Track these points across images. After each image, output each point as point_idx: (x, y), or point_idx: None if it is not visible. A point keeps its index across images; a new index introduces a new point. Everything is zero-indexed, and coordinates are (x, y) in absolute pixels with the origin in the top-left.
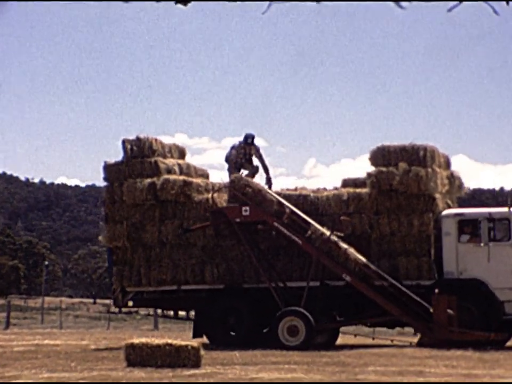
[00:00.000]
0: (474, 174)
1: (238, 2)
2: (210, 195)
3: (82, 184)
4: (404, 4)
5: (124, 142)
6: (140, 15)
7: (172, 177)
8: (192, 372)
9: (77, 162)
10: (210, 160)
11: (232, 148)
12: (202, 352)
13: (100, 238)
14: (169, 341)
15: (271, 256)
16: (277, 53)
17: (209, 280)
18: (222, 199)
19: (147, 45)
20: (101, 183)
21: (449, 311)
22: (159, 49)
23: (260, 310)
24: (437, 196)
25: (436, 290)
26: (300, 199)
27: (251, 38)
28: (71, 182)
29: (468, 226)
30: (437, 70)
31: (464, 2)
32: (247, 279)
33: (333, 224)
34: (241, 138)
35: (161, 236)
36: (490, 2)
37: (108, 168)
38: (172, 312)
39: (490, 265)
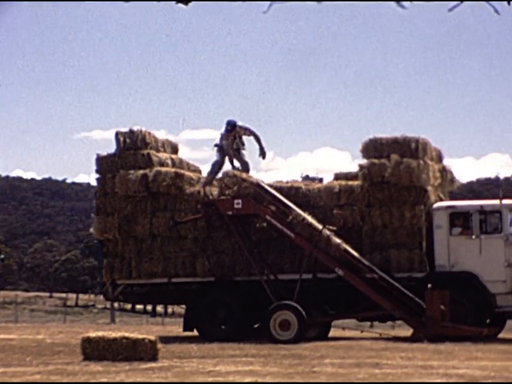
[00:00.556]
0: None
1: (238, 2)
2: (201, 187)
3: (39, 177)
4: (405, 3)
5: (117, 134)
6: (140, 14)
7: (164, 169)
8: (149, 365)
9: (33, 155)
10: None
11: (222, 138)
12: (159, 345)
13: (91, 229)
14: (126, 335)
15: (262, 249)
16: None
17: (200, 273)
18: (213, 191)
19: (147, 44)
20: (57, 176)
21: (442, 307)
22: (159, 48)
23: (250, 303)
24: (429, 188)
25: (429, 285)
26: (291, 191)
27: (251, 38)
28: (27, 175)
29: (459, 219)
30: (437, 69)
31: (465, 2)
32: (238, 272)
33: (325, 217)
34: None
35: (153, 228)
36: (491, 2)
37: (100, 160)
38: (130, 306)
39: (482, 258)
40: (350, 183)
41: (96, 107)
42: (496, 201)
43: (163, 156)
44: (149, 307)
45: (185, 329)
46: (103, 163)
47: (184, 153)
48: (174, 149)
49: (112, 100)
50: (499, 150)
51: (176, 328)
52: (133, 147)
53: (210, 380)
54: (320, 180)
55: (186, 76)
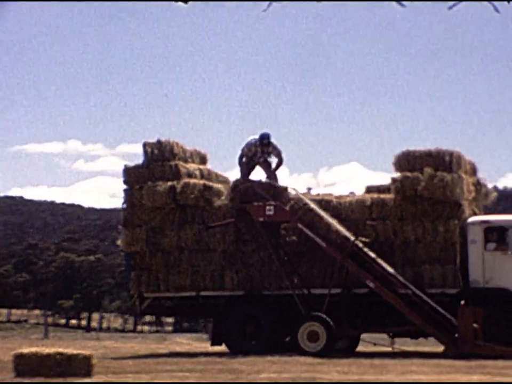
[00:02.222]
0: None
1: (238, 1)
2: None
3: None
4: (405, 2)
5: (145, 145)
6: (139, 13)
7: (192, 181)
8: (83, 380)
9: None
10: (104, 166)
11: (246, 145)
12: (94, 360)
13: (118, 242)
14: (60, 350)
15: (293, 261)
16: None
17: (228, 287)
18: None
19: (146, 43)
20: None
21: (475, 324)
22: (158, 47)
23: (280, 318)
24: (463, 202)
25: (462, 302)
26: (322, 204)
27: (250, 37)
28: None
29: (494, 234)
30: (436, 69)
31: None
32: (268, 286)
33: (356, 230)
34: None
35: (181, 240)
36: (491, 1)
37: (127, 171)
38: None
39: None
40: (382, 196)
41: (30, 120)
42: None
43: (191, 166)
44: (84, 322)
45: (213, 344)
46: (130, 174)
47: (121, 167)
48: (203, 159)
49: (44, 112)
50: None
51: (111, 343)
52: (160, 158)
53: None
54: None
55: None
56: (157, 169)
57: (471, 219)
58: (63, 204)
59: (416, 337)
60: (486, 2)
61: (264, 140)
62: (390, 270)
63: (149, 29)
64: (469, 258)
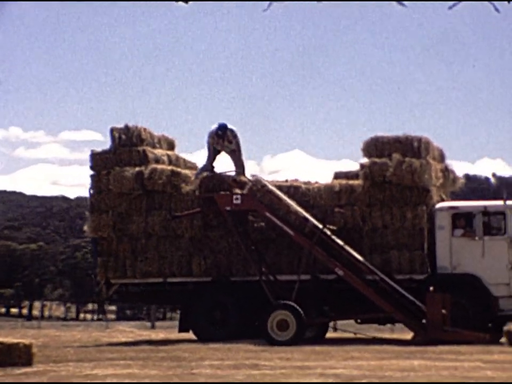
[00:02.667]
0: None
1: (238, 1)
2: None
3: None
4: (405, 2)
5: (112, 130)
6: (139, 13)
7: (160, 166)
8: (23, 370)
9: None
10: (46, 154)
11: (209, 135)
12: (34, 349)
13: (85, 227)
14: None
15: (260, 248)
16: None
17: (196, 273)
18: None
19: (146, 42)
20: None
21: (443, 311)
22: (158, 46)
23: (247, 304)
24: (431, 188)
25: (430, 288)
26: (290, 190)
27: (251, 37)
28: None
29: (462, 220)
30: (436, 68)
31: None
32: (235, 272)
33: (325, 216)
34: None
35: (148, 226)
36: (491, 1)
37: (94, 156)
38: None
39: (485, 260)
40: (351, 182)
41: None
42: (500, 202)
43: (159, 152)
44: (25, 311)
45: (180, 330)
46: (97, 159)
47: (63, 155)
48: (171, 145)
49: None
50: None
51: (53, 332)
52: (128, 143)
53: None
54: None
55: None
56: (124, 154)
57: (439, 205)
58: (4, 191)
59: (384, 323)
60: (486, 2)
61: (219, 131)
62: (359, 257)
63: (149, 28)
64: (436, 244)
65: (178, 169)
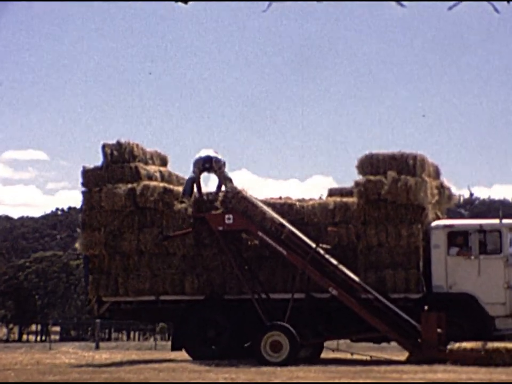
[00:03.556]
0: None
1: (238, 1)
2: (189, 202)
3: None
4: (405, 2)
5: (104, 146)
6: (139, 13)
7: (152, 183)
8: None
9: None
10: None
11: (194, 164)
12: None
13: (76, 245)
14: None
15: (253, 267)
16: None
17: (189, 291)
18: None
19: (146, 43)
20: None
21: (438, 330)
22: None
23: (241, 322)
24: (427, 206)
25: (425, 307)
26: (284, 207)
27: (251, 36)
28: None
29: (457, 238)
30: (436, 68)
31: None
32: (228, 290)
33: (319, 234)
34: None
35: (140, 244)
36: (491, 1)
37: (86, 173)
38: None
39: (480, 279)
40: (345, 199)
41: None
42: (496, 221)
43: (151, 168)
44: None
45: (173, 349)
46: (89, 176)
47: (7, 174)
48: (163, 161)
49: None
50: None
51: None
52: (120, 160)
53: None
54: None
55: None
56: (116, 171)
57: (434, 223)
58: None
59: (379, 342)
60: (486, 2)
61: (206, 164)
62: (353, 276)
63: (149, 29)
64: (432, 263)
65: (171, 186)
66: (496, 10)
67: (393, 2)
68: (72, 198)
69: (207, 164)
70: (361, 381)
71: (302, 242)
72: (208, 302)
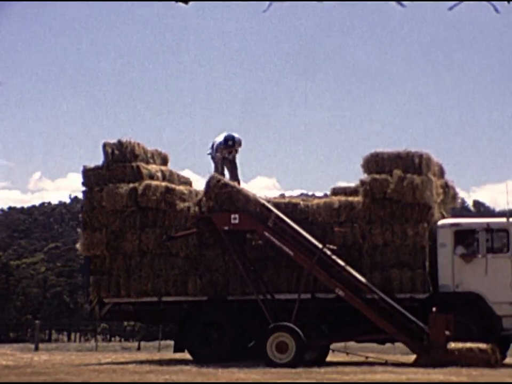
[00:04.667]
0: None
1: (238, 1)
2: (196, 201)
3: None
4: (405, 2)
5: (104, 145)
6: (139, 13)
7: (154, 183)
8: None
9: None
10: None
11: (216, 148)
12: None
13: (77, 245)
14: None
15: (258, 267)
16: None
17: (192, 292)
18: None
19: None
20: None
21: (447, 332)
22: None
23: (244, 323)
24: (433, 205)
25: (434, 309)
26: (289, 207)
27: (251, 36)
28: None
29: (464, 237)
30: (435, 68)
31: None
32: (232, 291)
33: (324, 234)
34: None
35: (142, 244)
36: (491, 1)
37: (87, 172)
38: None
39: (487, 278)
40: (350, 199)
41: None
42: (503, 219)
43: (153, 168)
44: None
45: (175, 350)
46: (90, 175)
47: None
48: (164, 160)
49: None
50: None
51: None
52: (121, 159)
53: None
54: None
55: None
56: (117, 170)
57: (440, 222)
58: None
59: (383, 343)
60: (486, 2)
61: (229, 141)
62: (360, 277)
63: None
64: (438, 262)
65: (173, 185)
66: (496, 10)
67: (393, 2)
68: (12, 198)
69: (230, 142)
70: (300, 381)
71: (309, 243)
72: (211, 303)
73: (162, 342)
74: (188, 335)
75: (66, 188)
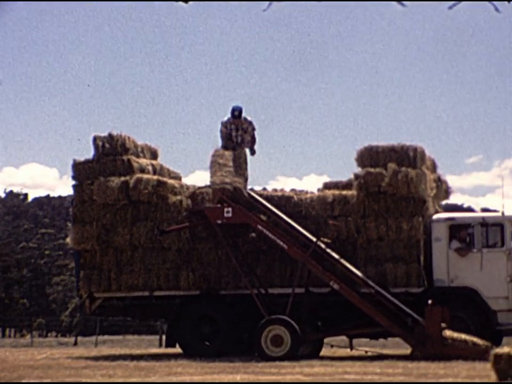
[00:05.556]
0: None
1: (238, 1)
2: (188, 194)
3: None
4: (405, 2)
5: (95, 138)
6: (139, 12)
7: (146, 176)
8: None
9: None
10: None
11: (222, 123)
12: None
13: (67, 239)
14: None
15: (251, 261)
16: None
17: (184, 286)
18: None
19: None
20: None
21: (443, 324)
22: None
23: (237, 318)
24: (428, 199)
25: (429, 301)
26: (282, 200)
27: (251, 37)
28: None
29: (459, 232)
30: (435, 69)
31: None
32: (225, 285)
33: (318, 228)
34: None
35: (133, 238)
36: (491, 1)
37: (76, 166)
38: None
39: (483, 272)
40: (344, 192)
41: None
42: (498, 213)
43: (143, 162)
44: None
45: (167, 346)
46: (80, 169)
47: None
48: (154, 155)
49: None
50: None
51: None
52: (112, 152)
53: None
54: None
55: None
56: (108, 164)
57: (435, 216)
58: None
59: (376, 338)
60: (486, 2)
61: (235, 112)
62: (355, 270)
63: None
64: (433, 257)
65: (165, 179)
66: (496, 10)
67: (394, 2)
68: None
69: (236, 112)
70: (238, 376)
71: (303, 236)
72: (203, 298)
73: (100, 337)
74: (180, 330)
75: (1, 182)
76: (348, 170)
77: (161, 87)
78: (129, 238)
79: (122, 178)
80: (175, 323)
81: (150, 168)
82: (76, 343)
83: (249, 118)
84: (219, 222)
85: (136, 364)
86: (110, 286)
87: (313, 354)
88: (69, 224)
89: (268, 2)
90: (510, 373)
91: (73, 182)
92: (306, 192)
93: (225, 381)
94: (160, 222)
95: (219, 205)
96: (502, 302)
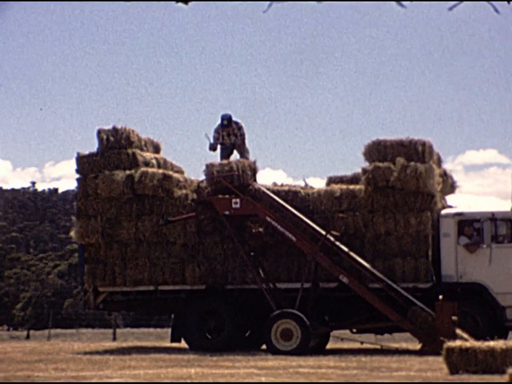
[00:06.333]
0: None
1: (238, 1)
2: (193, 187)
3: None
4: (405, 2)
5: (99, 132)
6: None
7: (151, 170)
8: None
9: None
10: None
11: (214, 129)
12: None
13: (72, 233)
14: None
15: (258, 255)
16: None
17: (189, 281)
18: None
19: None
20: None
21: (453, 317)
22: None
23: (243, 312)
24: (436, 194)
25: (440, 297)
26: (289, 195)
27: (251, 37)
28: None
29: (468, 227)
30: (435, 69)
31: (464, 2)
32: (231, 280)
33: (325, 222)
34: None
35: (138, 232)
36: (491, 1)
37: (80, 159)
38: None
39: (491, 268)
40: (352, 187)
41: None
42: (508, 209)
43: (147, 155)
44: None
45: (172, 340)
46: (84, 162)
47: None
48: (157, 148)
49: None
50: None
51: None
52: (116, 146)
53: None
54: None
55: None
56: (112, 157)
57: (444, 211)
58: None
59: (382, 333)
60: (486, 2)
61: (224, 121)
62: (364, 263)
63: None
64: (441, 252)
65: (170, 173)
66: (496, 10)
67: (394, 3)
68: None
69: (225, 121)
70: (192, 369)
71: (312, 229)
72: (209, 292)
73: (52, 331)
74: (185, 325)
75: None
76: (346, 167)
77: (162, 86)
78: (134, 232)
79: (127, 172)
80: (180, 318)
81: (154, 162)
82: (28, 337)
83: (239, 121)
84: (227, 213)
85: (90, 358)
86: (114, 280)
87: (320, 348)
88: (73, 218)
89: (267, 2)
90: (462, 366)
91: (77, 176)
92: (313, 187)
93: (180, 374)
94: (166, 216)
95: (227, 196)
96: (510, 298)
